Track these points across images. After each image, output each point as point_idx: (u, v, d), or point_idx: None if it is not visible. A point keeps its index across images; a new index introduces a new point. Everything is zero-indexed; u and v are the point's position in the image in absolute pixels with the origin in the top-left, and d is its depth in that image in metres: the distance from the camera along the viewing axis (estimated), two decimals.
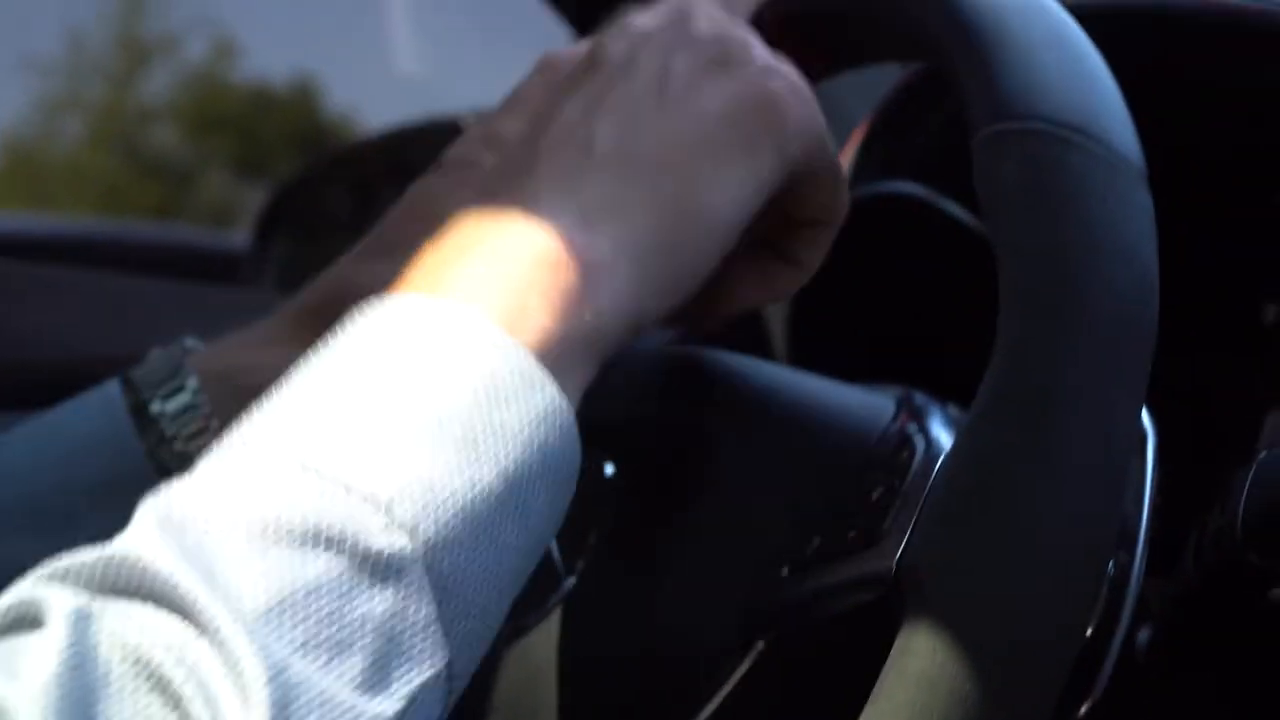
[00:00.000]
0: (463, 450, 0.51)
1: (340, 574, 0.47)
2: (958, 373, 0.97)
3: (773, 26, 0.71)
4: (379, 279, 0.77)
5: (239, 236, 2.25)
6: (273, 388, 0.74)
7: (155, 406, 0.80)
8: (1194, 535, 0.69)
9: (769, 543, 0.64)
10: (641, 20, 0.66)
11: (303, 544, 0.47)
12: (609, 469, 0.70)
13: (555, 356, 0.55)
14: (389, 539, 0.48)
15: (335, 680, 0.46)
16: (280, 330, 0.81)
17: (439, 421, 0.51)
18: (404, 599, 0.48)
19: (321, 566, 0.47)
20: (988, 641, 0.52)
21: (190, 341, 0.83)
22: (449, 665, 0.50)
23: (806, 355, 1.01)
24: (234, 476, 0.50)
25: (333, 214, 1.55)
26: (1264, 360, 0.92)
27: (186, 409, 0.80)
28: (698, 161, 0.61)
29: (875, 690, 0.53)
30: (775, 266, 0.72)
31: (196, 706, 0.42)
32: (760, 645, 0.63)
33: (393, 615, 0.48)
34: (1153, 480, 0.68)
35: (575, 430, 0.55)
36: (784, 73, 0.65)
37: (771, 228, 0.70)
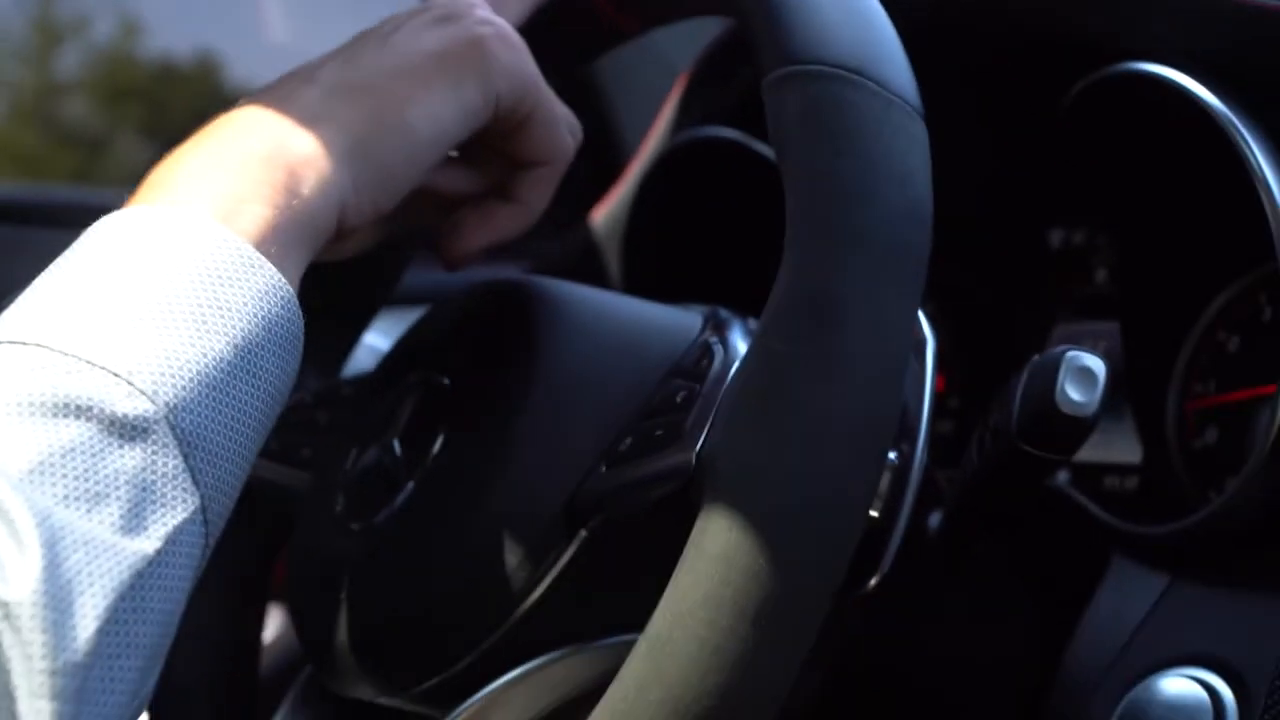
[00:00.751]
0: (193, 325, 0.54)
1: (91, 437, 0.50)
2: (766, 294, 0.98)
3: None
4: None
5: None
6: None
7: None
8: (978, 430, 0.70)
9: (587, 443, 0.63)
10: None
11: (55, 414, 0.50)
12: (445, 381, 0.70)
13: (271, 241, 0.58)
14: (132, 404, 0.51)
15: (96, 525, 0.49)
16: None
17: (169, 303, 0.54)
18: (152, 454, 0.51)
19: (74, 432, 0.50)
20: (776, 521, 0.51)
21: None
22: (203, 509, 0.53)
23: (638, 284, 1.01)
24: None
25: None
26: (1050, 280, 0.93)
27: None
28: (404, 86, 0.65)
29: (678, 567, 0.53)
30: (503, 208, 0.75)
31: None
32: (583, 534, 0.63)
33: (143, 469, 0.51)
34: (932, 380, 0.68)
35: (295, 302, 0.59)
36: (497, 24, 0.69)
37: (500, 172, 0.75)
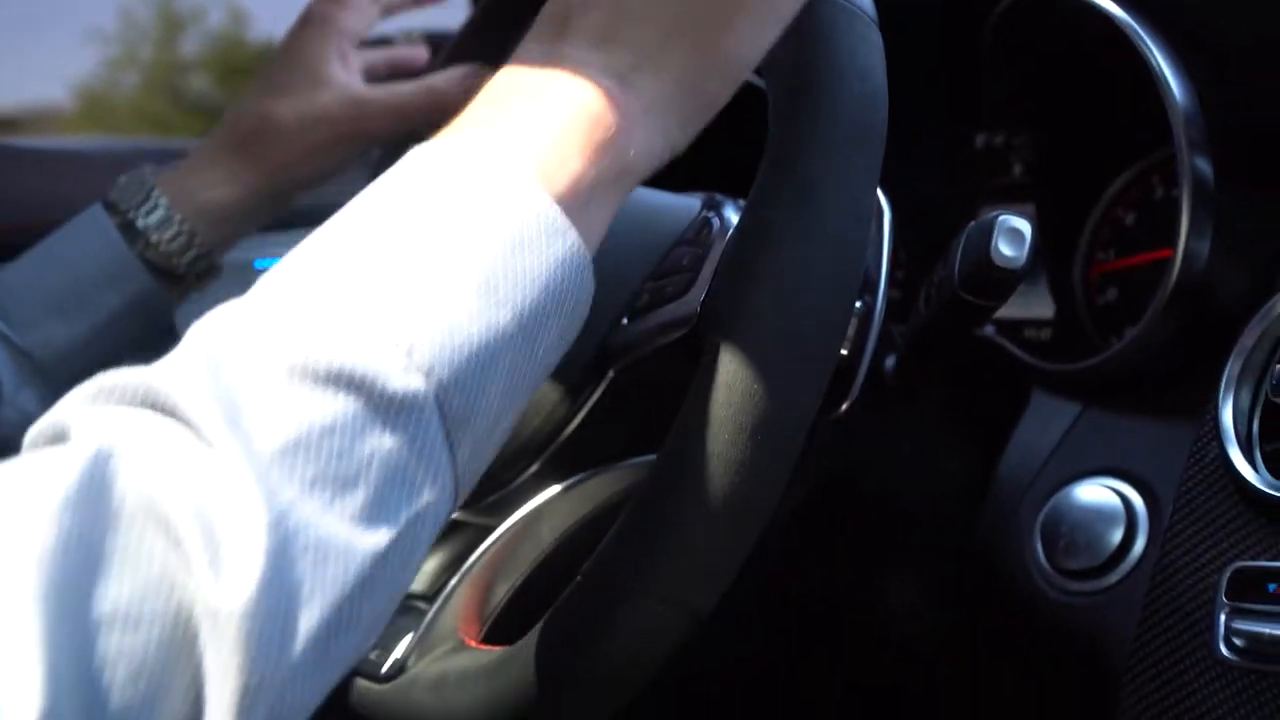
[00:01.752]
0: (484, 295, 0.42)
1: (355, 414, 0.39)
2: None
3: None
4: (295, 110, 0.80)
5: None
6: (222, 200, 0.75)
7: (140, 221, 0.78)
8: (924, 288, 0.68)
9: (611, 301, 0.61)
10: None
11: (325, 384, 0.39)
12: None
13: (586, 199, 0.47)
14: (405, 380, 0.40)
15: (336, 518, 0.38)
16: (215, 155, 0.80)
17: (465, 268, 0.42)
18: (411, 436, 0.40)
19: (339, 406, 0.39)
20: (769, 354, 0.50)
21: (149, 168, 0.80)
22: (455, 489, 0.43)
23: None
24: (273, 313, 0.41)
25: None
26: (977, 171, 0.90)
27: (163, 222, 0.78)
28: (722, 11, 0.50)
29: (689, 394, 0.52)
30: None
31: (197, 548, 0.35)
32: (611, 373, 0.61)
33: (399, 450, 0.40)
34: (889, 243, 0.66)
35: (590, 268, 0.47)
36: None
37: None
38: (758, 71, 0.56)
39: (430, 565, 0.72)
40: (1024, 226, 0.60)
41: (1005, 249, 0.59)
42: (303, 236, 0.45)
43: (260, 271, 1.17)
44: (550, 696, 0.53)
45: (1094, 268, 0.85)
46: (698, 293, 0.55)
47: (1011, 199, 0.89)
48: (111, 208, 0.78)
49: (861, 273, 0.56)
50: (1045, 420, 0.75)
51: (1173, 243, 0.79)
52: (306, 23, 0.82)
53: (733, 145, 0.94)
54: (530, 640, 0.55)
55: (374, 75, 0.86)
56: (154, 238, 0.77)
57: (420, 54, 0.91)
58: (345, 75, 0.82)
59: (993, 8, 0.78)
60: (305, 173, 0.81)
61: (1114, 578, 0.67)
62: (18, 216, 1.04)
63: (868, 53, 0.54)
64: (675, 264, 0.59)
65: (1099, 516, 0.69)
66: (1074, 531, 0.70)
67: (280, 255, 0.45)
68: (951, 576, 0.76)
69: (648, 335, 0.59)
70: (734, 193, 0.70)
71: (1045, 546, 0.71)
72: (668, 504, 0.51)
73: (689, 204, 0.65)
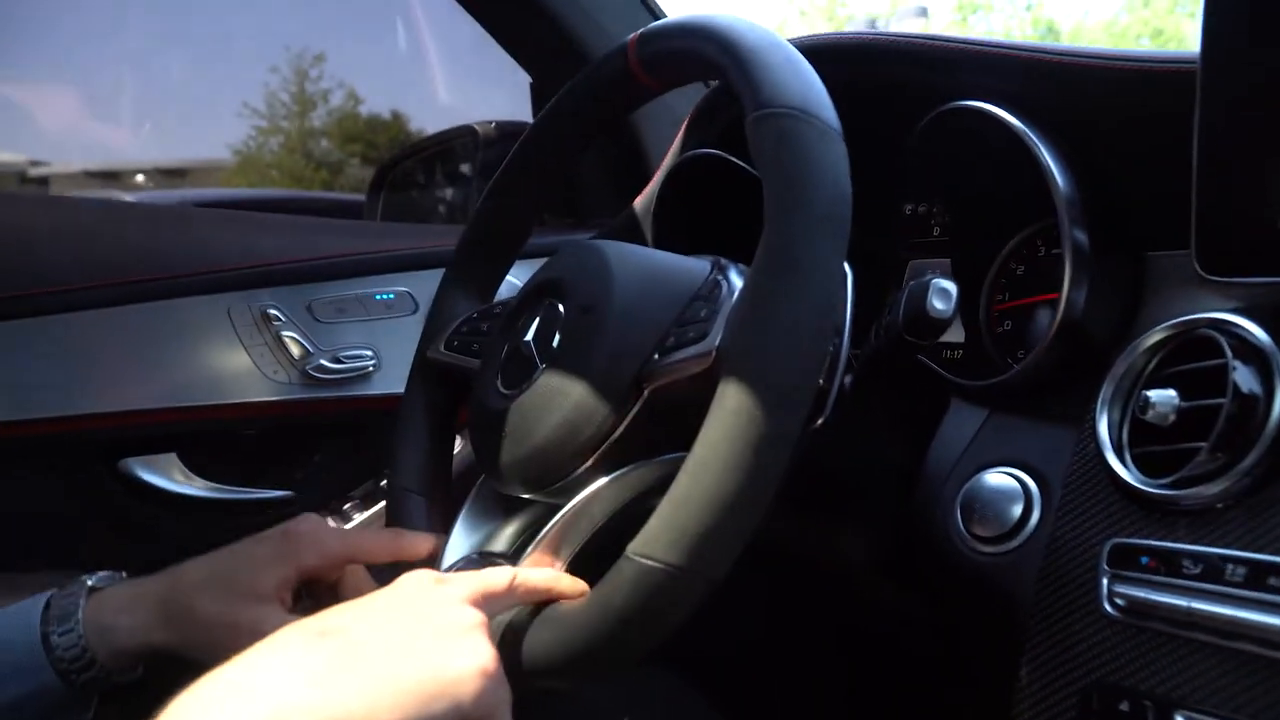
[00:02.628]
0: None
1: None
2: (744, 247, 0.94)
3: (642, 57, 0.66)
4: (216, 609, 0.61)
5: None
6: (133, 645, 0.60)
7: (54, 639, 0.62)
8: (875, 326, 0.66)
9: (646, 340, 0.59)
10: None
11: None
12: (559, 305, 0.65)
13: None
14: None
15: None
16: (141, 604, 0.63)
17: None
18: None
19: None
20: (769, 387, 0.50)
21: (91, 579, 0.65)
22: None
23: (663, 243, 0.95)
24: None
25: (410, 178, 1.47)
26: (906, 232, 0.88)
27: (75, 646, 0.62)
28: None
29: (708, 416, 0.51)
30: None
31: None
32: (646, 393, 0.59)
33: None
34: (851, 300, 0.64)
35: None
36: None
37: None
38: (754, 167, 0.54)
39: (509, 529, 0.70)
40: (951, 287, 0.59)
41: (938, 304, 0.58)
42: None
43: (380, 302, 1.12)
44: (610, 639, 0.51)
45: (994, 306, 0.82)
46: (713, 339, 0.55)
47: (932, 253, 0.87)
48: (46, 609, 0.64)
49: (834, 324, 0.54)
50: (961, 422, 0.73)
51: (1055, 289, 0.77)
52: (284, 535, 0.66)
53: (728, 218, 0.93)
54: (594, 595, 0.53)
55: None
56: (62, 654, 0.62)
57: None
58: (278, 605, 0.63)
59: (920, 116, 0.76)
60: (213, 652, 0.54)
61: (1016, 543, 0.66)
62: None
63: (837, 163, 0.54)
64: (694, 315, 0.58)
65: (1003, 496, 0.67)
66: (985, 507, 0.68)
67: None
68: (890, 535, 0.74)
69: (674, 367, 0.57)
70: (730, 253, 0.68)
71: (964, 518, 0.69)
72: (693, 497, 0.50)
73: (700, 266, 0.63)
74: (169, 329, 0.99)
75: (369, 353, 1.04)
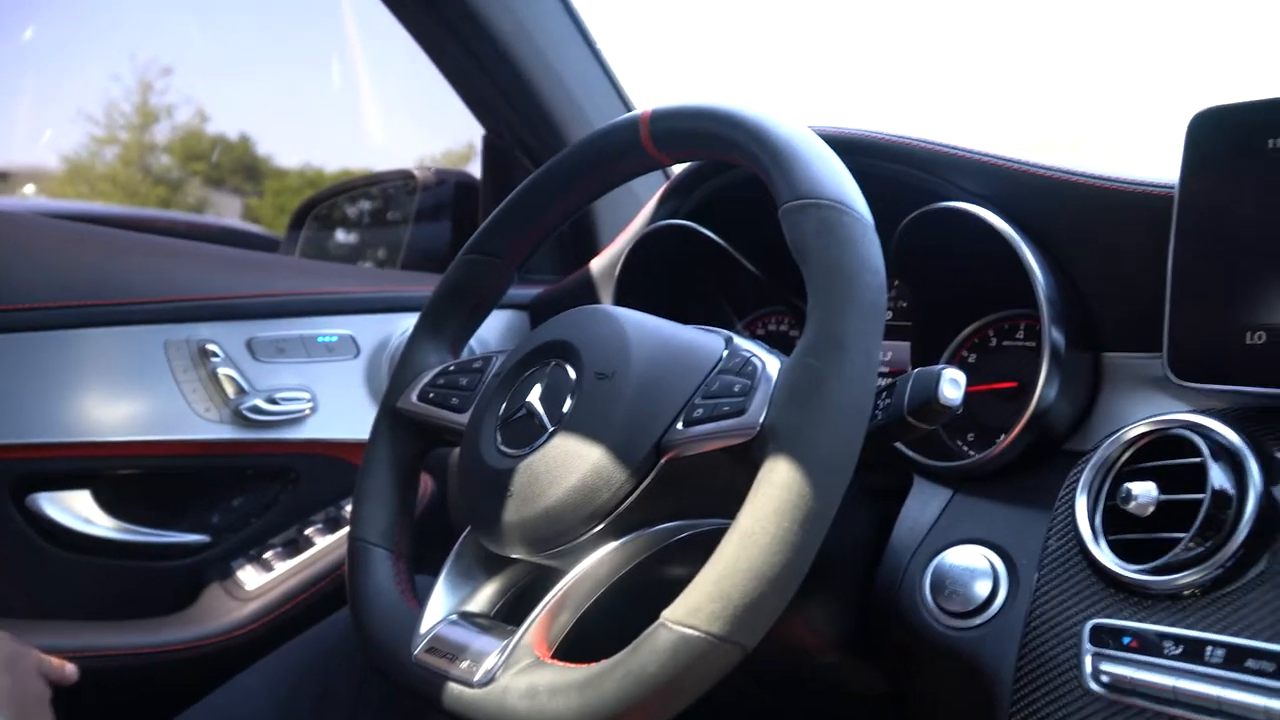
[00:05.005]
0: None
1: None
2: (698, 310, 0.96)
3: (656, 134, 0.68)
4: None
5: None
6: None
7: None
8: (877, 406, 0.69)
9: (669, 408, 0.60)
10: None
11: None
12: (568, 367, 0.66)
13: None
14: None
15: None
16: None
17: None
18: None
19: None
20: (818, 465, 0.53)
21: None
22: None
23: (625, 305, 0.98)
24: None
25: (336, 218, 1.45)
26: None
27: None
28: None
29: (754, 490, 0.52)
30: None
31: None
32: (663, 462, 0.60)
33: None
34: None
35: None
36: None
37: None
38: (790, 257, 0.57)
39: (489, 590, 0.70)
40: (961, 378, 0.62)
41: (949, 393, 0.60)
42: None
43: (322, 345, 1.11)
44: (642, 706, 0.52)
45: None
46: (756, 414, 0.56)
47: (888, 335, 0.92)
48: None
49: (873, 402, 0.58)
50: (925, 501, 0.77)
51: (1008, 378, 0.83)
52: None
53: (694, 286, 0.95)
54: (617, 660, 0.53)
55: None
56: None
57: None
58: None
59: (908, 208, 0.80)
60: None
61: (984, 618, 0.69)
62: None
63: (876, 254, 0.58)
64: (727, 388, 0.59)
65: (970, 574, 0.71)
66: (954, 583, 0.71)
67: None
68: (856, 610, 0.77)
69: (702, 438, 0.59)
70: (696, 320, 0.70)
71: (932, 592, 0.72)
72: (739, 569, 0.52)
73: (714, 340, 0.65)
74: (92, 359, 0.94)
75: (305, 395, 1.02)
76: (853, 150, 0.79)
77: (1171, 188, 0.67)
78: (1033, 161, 0.77)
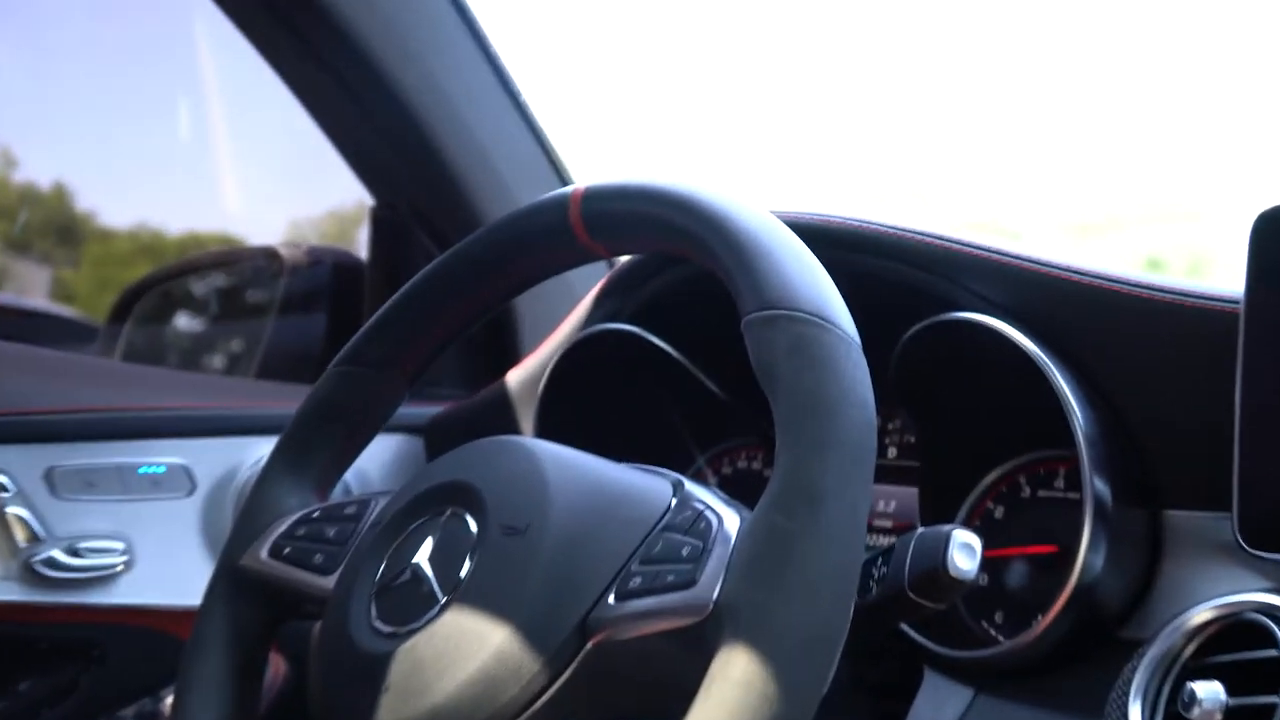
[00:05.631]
0: None
1: None
2: (646, 442, 0.98)
3: (589, 218, 0.70)
4: None
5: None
6: None
7: None
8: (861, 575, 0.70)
9: (593, 577, 0.61)
10: None
11: None
12: (468, 518, 0.67)
13: None
14: None
15: None
16: None
17: None
18: None
19: None
20: (784, 656, 0.53)
21: None
22: None
23: (549, 434, 0.99)
24: None
25: (173, 307, 1.46)
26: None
27: None
28: None
29: (705, 687, 0.54)
30: None
31: None
32: (589, 646, 0.61)
33: None
34: None
35: None
36: None
37: None
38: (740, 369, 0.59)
39: None
40: (975, 541, 0.64)
41: (961, 563, 0.62)
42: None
43: (145, 477, 1.12)
44: None
45: None
46: (708, 588, 0.57)
47: (886, 479, 0.94)
48: None
49: (860, 573, 0.59)
50: (939, 702, 0.79)
51: (1045, 541, 0.85)
52: None
53: (637, 409, 0.97)
54: None
55: None
56: None
57: None
58: None
59: (906, 320, 0.83)
60: None
61: None
62: None
63: (863, 382, 0.60)
64: (670, 552, 0.60)
65: None
66: None
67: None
68: None
69: (639, 617, 0.60)
70: (637, 456, 0.72)
71: None
72: None
73: (660, 486, 0.67)
74: None
75: (119, 546, 1.02)
76: (836, 245, 0.83)
77: (1237, 302, 0.70)
78: (1063, 263, 0.80)
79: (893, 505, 0.94)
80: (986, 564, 0.88)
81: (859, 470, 0.57)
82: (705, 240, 0.65)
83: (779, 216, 0.67)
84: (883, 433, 0.96)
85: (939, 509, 0.90)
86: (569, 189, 0.72)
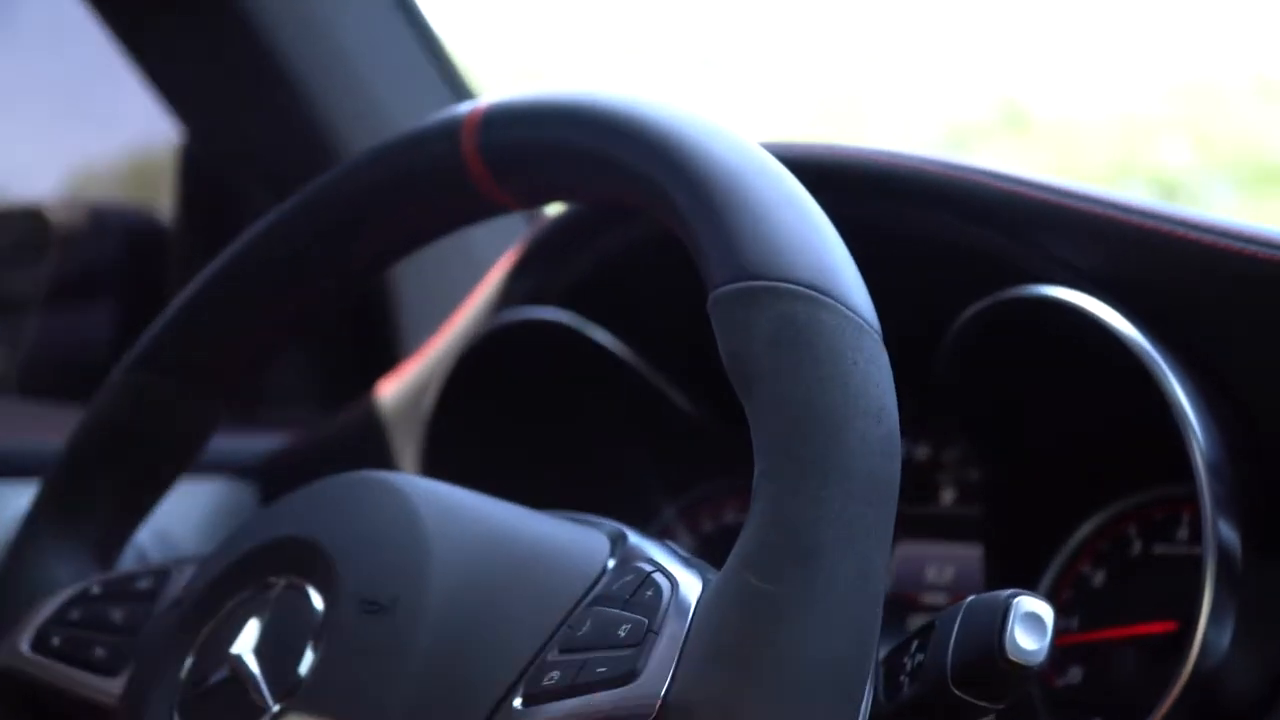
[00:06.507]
0: None
1: None
2: (585, 483, 0.99)
3: (491, 151, 0.71)
4: None
5: None
6: None
7: None
8: (888, 666, 0.71)
9: (494, 672, 0.63)
10: None
11: None
12: (310, 590, 0.68)
13: None
14: None
15: None
16: None
17: None
18: None
19: None
20: None
21: None
22: None
23: (441, 468, 0.99)
24: None
25: None
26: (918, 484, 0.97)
27: None
28: None
29: None
30: None
31: None
32: None
33: None
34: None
35: None
36: None
37: None
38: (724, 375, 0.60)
39: None
40: (1045, 611, 0.64)
41: (1025, 641, 0.62)
42: None
43: None
44: None
45: (1055, 639, 0.90)
46: (653, 683, 0.58)
47: (938, 534, 0.95)
48: None
49: (872, 662, 0.60)
50: None
51: (1164, 616, 0.86)
52: None
53: (569, 429, 0.99)
54: None
55: None
56: None
57: None
58: None
59: (956, 298, 0.85)
60: None
61: None
62: None
63: (880, 380, 0.60)
64: (605, 635, 0.61)
65: None
66: None
67: None
68: None
69: None
70: (562, 499, 0.74)
71: None
72: None
73: (590, 542, 0.68)
74: None
75: None
76: (852, 188, 0.83)
77: None
78: (1190, 216, 0.81)
79: (950, 573, 0.95)
80: (1084, 652, 0.90)
81: (873, 511, 0.58)
82: (659, 182, 0.66)
83: (768, 149, 0.67)
84: (932, 467, 0.97)
85: (1013, 574, 0.91)
86: (462, 108, 0.73)
